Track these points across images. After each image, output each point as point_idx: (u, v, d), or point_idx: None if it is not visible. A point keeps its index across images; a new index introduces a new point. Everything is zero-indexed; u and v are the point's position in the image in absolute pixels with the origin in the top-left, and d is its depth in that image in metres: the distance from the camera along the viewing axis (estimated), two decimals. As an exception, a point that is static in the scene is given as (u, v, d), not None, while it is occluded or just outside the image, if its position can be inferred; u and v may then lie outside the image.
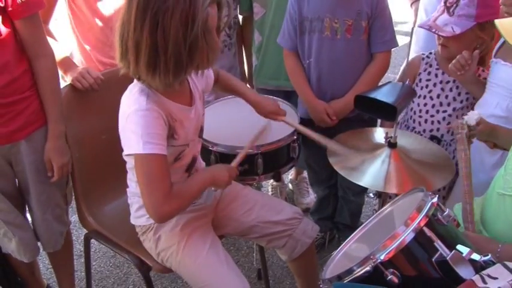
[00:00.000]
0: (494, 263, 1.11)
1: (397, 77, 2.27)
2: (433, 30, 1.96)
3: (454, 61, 1.92)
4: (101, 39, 2.17)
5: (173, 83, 1.43)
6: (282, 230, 1.82)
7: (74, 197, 2.03)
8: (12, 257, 2.00)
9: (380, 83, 2.16)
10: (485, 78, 2.06)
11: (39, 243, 2.01)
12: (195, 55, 1.38)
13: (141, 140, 1.42)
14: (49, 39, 1.84)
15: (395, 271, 1.13)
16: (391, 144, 1.82)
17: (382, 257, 1.14)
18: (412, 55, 2.49)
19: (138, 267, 1.80)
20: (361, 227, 1.52)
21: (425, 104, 2.14)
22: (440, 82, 2.11)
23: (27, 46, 1.73)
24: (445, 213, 1.22)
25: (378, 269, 1.14)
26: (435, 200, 1.24)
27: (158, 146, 1.44)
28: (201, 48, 1.37)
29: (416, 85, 2.17)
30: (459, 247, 1.15)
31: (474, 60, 1.91)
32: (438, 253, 1.15)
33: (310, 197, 3.04)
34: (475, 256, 1.13)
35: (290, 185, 3.22)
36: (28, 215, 1.99)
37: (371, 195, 2.66)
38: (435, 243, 1.16)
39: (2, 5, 1.61)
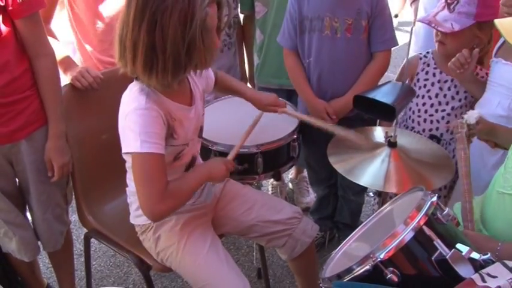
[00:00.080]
0: (493, 262, 1.12)
1: (396, 76, 2.27)
2: (433, 25, 1.96)
3: (453, 59, 1.92)
4: (101, 38, 2.17)
5: (172, 83, 1.43)
6: (282, 229, 1.82)
7: (73, 197, 2.03)
8: (12, 256, 2.00)
9: (380, 82, 2.17)
10: (482, 77, 2.06)
11: (39, 243, 2.01)
12: (193, 55, 1.38)
13: (139, 138, 1.42)
14: (50, 38, 1.84)
15: (395, 270, 1.14)
16: (391, 144, 1.82)
17: (381, 256, 1.14)
18: (411, 54, 2.50)
19: (138, 266, 1.81)
20: (361, 226, 1.52)
21: (423, 104, 2.14)
22: (438, 81, 2.11)
23: (27, 45, 1.73)
24: (445, 212, 1.22)
25: (378, 268, 1.14)
26: (435, 199, 1.24)
27: (156, 145, 1.44)
28: (199, 48, 1.37)
29: (415, 85, 2.17)
30: (459, 246, 1.15)
31: (473, 58, 1.91)
32: (438, 252, 1.15)
33: (310, 197, 3.04)
34: (475, 255, 1.13)
35: (290, 184, 3.22)
36: (28, 215, 1.99)
37: (371, 194, 2.67)
38: (435, 242, 1.16)
39: (3, 4, 1.61)
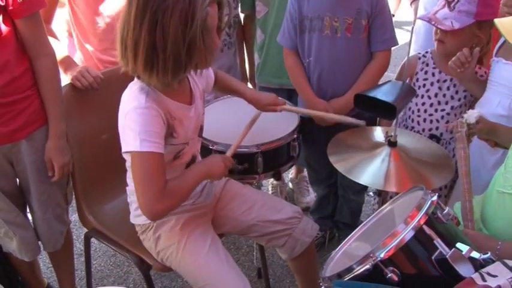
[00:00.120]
0: (493, 261, 1.12)
1: (394, 76, 2.28)
2: (433, 22, 1.96)
3: (454, 58, 1.92)
4: (101, 38, 2.17)
5: (172, 82, 1.43)
6: (282, 229, 1.82)
7: (73, 196, 2.03)
8: (12, 256, 2.00)
9: (380, 82, 2.17)
10: (481, 76, 2.07)
11: (39, 243, 2.01)
12: (193, 54, 1.38)
13: (138, 137, 1.42)
14: (50, 38, 1.84)
15: (395, 269, 1.14)
16: (391, 143, 1.82)
17: (381, 255, 1.14)
18: (411, 54, 2.50)
19: (138, 266, 1.81)
20: (361, 225, 1.52)
21: (423, 104, 2.14)
22: (438, 81, 2.12)
23: (27, 45, 1.73)
24: (445, 212, 1.22)
25: (378, 267, 1.14)
26: (435, 198, 1.24)
27: (155, 144, 1.44)
28: (200, 48, 1.37)
29: (414, 84, 2.17)
30: (459, 245, 1.15)
31: (474, 58, 1.92)
32: (438, 251, 1.15)
33: (310, 196, 3.04)
34: (475, 254, 1.13)
35: (290, 184, 3.22)
36: (29, 215, 1.99)
37: (371, 193, 2.67)
38: (435, 241, 1.16)
39: (3, 4, 1.61)
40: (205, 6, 1.35)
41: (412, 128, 2.19)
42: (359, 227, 1.52)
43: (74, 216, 2.36)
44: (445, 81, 2.10)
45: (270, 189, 3.12)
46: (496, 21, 1.40)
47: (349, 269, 1.18)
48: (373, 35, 2.12)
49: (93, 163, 1.97)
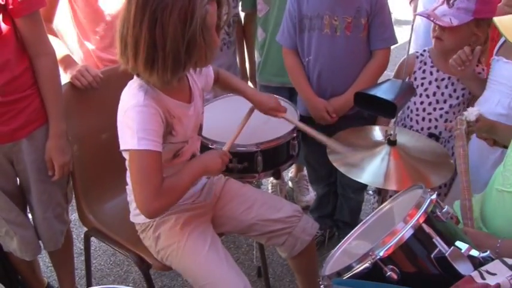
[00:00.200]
0: (492, 259, 1.12)
1: (393, 74, 2.28)
2: (431, 18, 1.96)
3: (454, 56, 1.92)
4: (101, 36, 2.17)
5: (171, 80, 1.43)
6: (282, 227, 1.83)
7: (73, 195, 2.03)
8: (13, 255, 2.00)
9: (379, 81, 2.17)
10: (479, 73, 2.07)
11: (40, 242, 2.01)
12: (193, 52, 1.38)
13: (136, 135, 1.43)
14: (50, 37, 1.84)
15: (395, 267, 1.14)
16: (391, 142, 1.82)
17: (381, 254, 1.14)
18: (411, 52, 2.50)
19: (138, 265, 1.81)
20: (361, 224, 1.51)
21: (421, 102, 2.15)
22: (436, 80, 2.12)
23: (28, 44, 1.73)
24: (444, 210, 1.22)
25: (377, 266, 1.14)
26: (434, 196, 1.24)
27: (153, 142, 1.45)
28: (199, 46, 1.38)
29: (412, 83, 2.17)
30: (458, 243, 1.15)
31: (475, 56, 1.91)
32: (437, 249, 1.15)
33: (310, 195, 3.04)
34: (474, 252, 1.13)
35: (290, 183, 3.22)
36: (29, 214, 1.99)
37: (370, 192, 2.67)
38: (434, 240, 1.16)
39: (3, 3, 1.61)
40: (204, 4, 1.36)
41: (411, 127, 2.19)
42: (359, 225, 1.52)
43: (73, 216, 2.36)
44: (443, 79, 2.10)
45: (269, 188, 3.13)
46: (495, 19, 1.40)
47: (349, 268, 1.19)
48: (372, 33, 2.12)
49: (92, 162, 1.97)
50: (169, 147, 1.58)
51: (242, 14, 2.75)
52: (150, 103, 1.45)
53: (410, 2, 2.83)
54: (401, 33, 2.30)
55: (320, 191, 2.67)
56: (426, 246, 1.17)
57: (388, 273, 1.13)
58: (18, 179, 1.90)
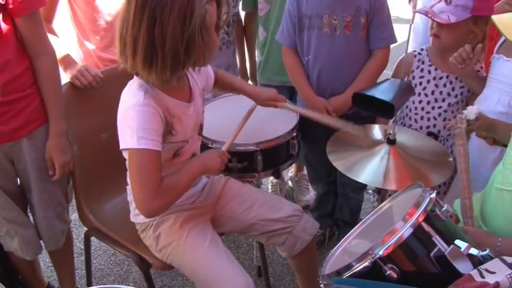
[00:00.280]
0: (492, 258, 1.12)
1: (391, 73, 2.28)
2: (429, 15, 1.96)
3: (455, 54, 1.92)
4: (101, 36, 2.18)
5: (170, 79, 1.44)
6: (282, 227, 1.83)
7: (73, 195, 2.03)
8: (13, 255, 2.01)
9: (378, 80, 2.17)
10: (478, 71, 2.07)
11: (41, 241, 2.01)
12: (192, 52, 1.39)
13: (135, 135, 1.43)
14: (50, 36, 1.84)
15: (394, 266, 1.14)
16: (390, 141, 1.83)
17: (380, 253, 1.14)
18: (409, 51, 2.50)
19: (138, 264, 1.81)
20: (361, 223, 1.52)
21: (420, 101, 2.15)
22: (434, 78, 2.12)
23: (28, 44, 1.73)
24: (443, 209, 1.23)
25: (377, 264, 1.14)
26: (433, 195, 1.25)
27: (153, 141, 1.45)
28: (198, 45, 1.38)
29: (410, 82, 2.17)
30: (457, 242, 1.15)
31: (476, 54, 1.92)
32: (436, 248, 1.15)
33: (310, 194, 3.04)
34: (473, 251, 1.13)
35: (290, 182, 3.22)
36: (29, 214, 1.99)
37: (370, 191, 2.67)
38: (433, 238, 1.16)
39: (3, 3, 1.61)
40: (203, 3, 1.36)
41: (410, 125, 2.19)
42: (358, 224, 1.52)
43: (73, 215, 2.36)
44: (441, 78, 2.11)
45: (269, 187, 3.13)
46: (494, 18, 1.41)
47: (348, 266, 1.19)
48: (372, 32, 2.12)
49: (92, 162, 1.97)
50: (169, 147, 1.58)
51: (242, 13, 2.76)
52: (150, 102, 1.45)
53: (409, 1, 2.83)
54: (401, 32, 2.30)
55: (320, 190, 2.67)
56: (426, 245, 1.17)
57: (388, 272, 1.13)
58: (18, 179, 1.91)
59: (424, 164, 1.79)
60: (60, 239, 2.03)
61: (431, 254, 1.15)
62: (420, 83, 2.14)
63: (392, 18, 2.17)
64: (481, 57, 2.08)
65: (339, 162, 1.80)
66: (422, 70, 2.14)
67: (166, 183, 1.49)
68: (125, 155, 1.57)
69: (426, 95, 2.13)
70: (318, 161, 2.46)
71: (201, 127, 1.75)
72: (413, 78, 2.16)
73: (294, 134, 2.04)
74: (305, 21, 2.13)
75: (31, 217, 1.97)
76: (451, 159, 1.84)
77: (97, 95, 1.95)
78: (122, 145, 1.50)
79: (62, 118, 1.83)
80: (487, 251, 1.13)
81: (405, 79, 2.12)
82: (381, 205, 1.55)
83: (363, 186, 2.49)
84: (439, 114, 2.12)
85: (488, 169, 1.86)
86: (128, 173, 1.66)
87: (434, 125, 2.14)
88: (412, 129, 2.17)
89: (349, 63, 2.16)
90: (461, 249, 1.13)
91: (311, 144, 2.38)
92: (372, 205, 2.69)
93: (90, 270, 2.20)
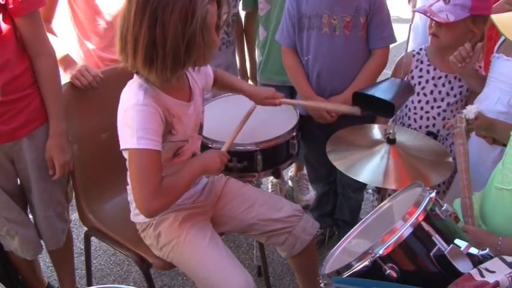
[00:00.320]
0: (492, 257, 1.12)
1: (390, 73, 2.28)
2: (428, 14, 1.96)
3: (455, 53, 1.92)
4: (102, 36, 2.18)
5: (170, 79, 1.44)
6: (282, 227, 1.83)
7: (73, 195, 2.03)
8: (13, 255, 2.01)
9: (378, 80, 2.17)
10: (476, 70, 2.07)
11: (41, 241, 2.01)
12: (192, 51, 1.39)
13: (135, 134, 1.43)
14: (50, 36, 1.84)
15: (394, 265, 1.14)
16: (390, 140, 1.83)
17: (380, 252, 1.15)
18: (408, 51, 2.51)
19: (139, 264, 1.81)
20: (360, 222, 1.52)
21: (419, 101, 2.15)
22: (433, 78, 2.12)
23: (28, 44, 1.73)
24: (443, 208, 1.23)
25: (377, 264, 1.14)
26: (433, 195, 1.25)
27: (152, 141, 1.45)
28: (198, 45, 1.38)
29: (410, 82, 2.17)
30: (457, 241, 1.15)
31: (476, 53, 1.92)
32: (436, 247, 1.15)
33: (310, 194, 3.04)
34: (473, 250, 1.13)
35: (290, 182, 3.22)
36: (29, 214, 2.00)
37: (370, 191, 2.67)
38: (433, 238, 1.16)
39: (3, 3, 1.61)
40: (205, 3, 1.36)
41: (409, 125, 2.19)
42: (358, 224, 1.52)
43: (73, 215, 2.36)
44: (440, 77, 2.11)
45: (269, 187, 3.13)
46: (493, 17, 1.41)
47: (348, 266, 1.19)
48: (371, 32, 2.12)
49: (92, 162, 1.98)
50: (169, 146, 1.58)
51: (242, 13, 2.76)
52: (150, 102, 1.46)
53: (409, 1, 2.83)
54: (400, 32, 2.30)
55: (320, 190, 2.67)
56: (425, 244, 1.17)
57: (388, 271, 1.13)
58: (18, 179, 1.91)
59: (423, 163, 1.79)
60: (61, 239, 2.03)
61: (431, 253, 1.15)
62: (419, 83, 2.14)
63: (392, 18, 2.18)
64: (480, 57, 2.08)
65: (338, 161, 1.80)
66: (421, 70, 2.14)
67: (166, 184, 1.49)
68: (125, 155, 1.57)
69: (425, 95, 2.13)
70: (318, 160, 2.46)
71: (201, 126, 1.75)
72: (412, 78, 2.16)
73: (294, 133, 2.04)
74: (304, 21, 2.13)
75: (31, 217, 1.98)
76: (450, 158, 1.84)
77: (97, 95, 1.95)
78: (122, 145, 1.50)
79: (62, 118, 1.84)
80: (487, 250, 1.13)
81: (405, 79, 2.12)
82: (381, 204, 1.55)
83: (362, 186, 2.49)
84: (438, 114, 2.12)
85: (488, 168, 1.86)
86: (128, 172, 1.67)
87: (434, 125, 2.14)
88: (411, 128, 2.17)
89: (348, 63, 2.16)
90: (461, 249, 1.13)
91: (311, 144, 2.38)
92: (372, 204, 2.69)
93: (90, 270, 2.20)
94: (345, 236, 1.50)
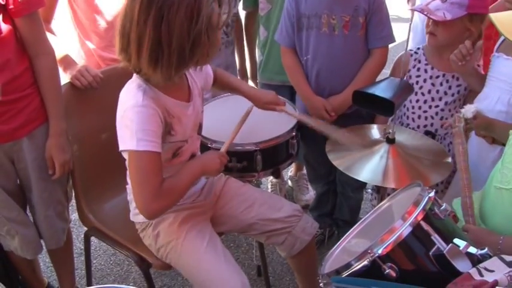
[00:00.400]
0: (490, 256, 1.13)
1: (389, 72, 2.29)
2: (425, 13, 1.96)
3: (455, 51, 1.92)
4: (102, 35, 2.18)
5: (174, 77, 1.44)
6: (282, 227, 1.83)
7: (73, 195, 2.03)
8: (13, 255, 2.01)
9: (377, 79, 2.17)
10: (476, 69, 2.07)
11: (41, 241, 2.02)
12: (196, 50, 1.39)
13: (135, 136, 1.43)
14: (50, 36, 1.85)
15: (393, 265, 1.14)
16: (389, 140, 1.83)
17: (379, 251, 1.15)
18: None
19: (138, 264, 1.81)
20: (360, 222, 1.52)
21: (417, 100, 2.15)
22: (430, 77, 2.12)
23: (27, 44, 1.73)
24: (442, 208, 1.23)
25: (376, 263, 1.15)
26: (432, 194, 1.25)
27: (152, 143, 1.45)
28: (203, 44, 1.38)
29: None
30: (456, 241, 1.16)
31: (476, 51, 1.92)
32: (435, 247, 1.16)
33: (310, 194, 3.04)
34: (472, 249, 1.14)
35: (289, 182, 3.22)
36: (29, 214, 2.00)
37: (369, 190, 2.67)
38: (432, 237, 1.17)
39: (3, 3, 1.62)
40: (210, 2, 1.36)
41: (408, 125, 2.19)
42: (358, 223, 1.52)
43: (73, 215, 2.37)
44: (437, 77, 2.11)
45: (269, 187, 3.13)
46: (492, 16, 1.41)
47: (348, 265, 1.19)
48: (370, 32, 2.13)
49: (92, 162, 1.98)
50: (169, 147, 1.58)
51: (242, 13, 2.76)
52: (149, 103, 1.45)
53: (408, 1, 2.84)
54: (400, 32, 2.30)
55: (319, 189, 2.67)
56: (424, 244, 1.17)
57: (387, 271, 1.14)
58: (18, 178, 1.91)
59: (422, 163, 1.79)
60: (61, 238, 2.04)
61: (430, 253, 1.16)
62: (417, 82, 2.15)
63: (391, 17, 2.18)
64: (479, 56, 2.09)
65: (338, 161, 1.80)
66: (418, 69, 2.15)
67: (166, 185, 1.49)
68: (125, 155, 1.57)
69: (423, 94, 2.14)
70: (318, 160, 2.46)
71: (200, 126, 1.75)
72: (410, 77, 2.16)
73: (293, 133, 2.04)
74: (304, 21, 2.13)
75: (31, 216, 1.98)
76: (449, 158, 1.84)
77: (97, 95, 1.96)
78: (121, 146, 1.49)
79: (62, 117, 1.84)
80: (486, 249, 1.14)
81: (405, 78, 2.13)
82: (380, 204, 1.55)
83: (362, 186, 2.49)
84: (436, 113, 2.12)
85: (488, 168, 1.86)
86: (127, 172, 1.67)
87: (432, 124, 2.14)
88: (410, 128, 2.17)
89: (347, 63, 2.16)
90: (460, 248, 1.14)
91: (310, 144, 2.38)
92: (371, 204, 2.69)
93: (90, 270, 2.20)
94: (345, 236, 1.50)
